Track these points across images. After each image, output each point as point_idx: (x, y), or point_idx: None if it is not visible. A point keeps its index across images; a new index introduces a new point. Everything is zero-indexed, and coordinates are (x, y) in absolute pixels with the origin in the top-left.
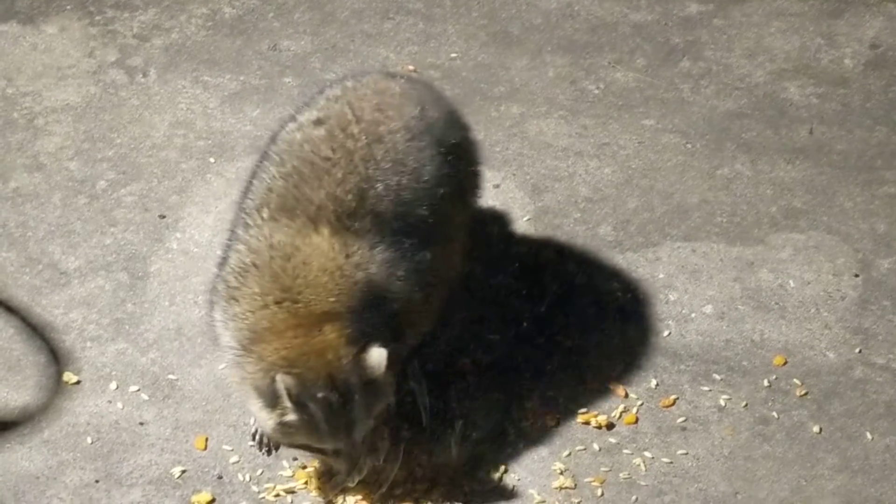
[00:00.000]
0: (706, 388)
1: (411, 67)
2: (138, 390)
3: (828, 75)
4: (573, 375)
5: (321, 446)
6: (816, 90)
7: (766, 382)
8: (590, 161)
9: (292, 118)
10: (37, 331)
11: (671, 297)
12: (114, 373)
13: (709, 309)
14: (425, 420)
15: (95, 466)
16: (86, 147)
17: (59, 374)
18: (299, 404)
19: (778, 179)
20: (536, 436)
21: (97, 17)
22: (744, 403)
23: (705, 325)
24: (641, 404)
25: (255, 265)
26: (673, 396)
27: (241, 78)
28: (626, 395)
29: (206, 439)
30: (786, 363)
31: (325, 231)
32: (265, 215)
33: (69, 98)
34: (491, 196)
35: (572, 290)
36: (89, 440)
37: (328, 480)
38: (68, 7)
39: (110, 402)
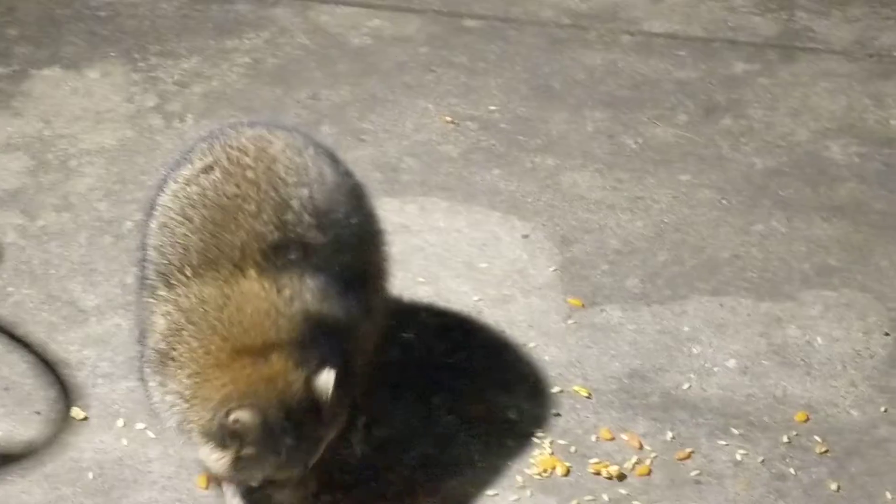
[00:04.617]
0: (723, 443)
1: (448, 118)
2: (145, 428)
3: (872, 135)
4: (588, 424)
5: (276, 477)
6: (859, 149)
7: (785, 438)
8: (622, 214)
9: (168, 181)
10: (49, 366)
11: (694, 350)
12: (122, 410)
13: (732, 363)
14: None
15: (95, 502)
16: (116, 188)
17: (68, 409)
18: (260, 436)
19: (813, 237)
20: (545, 484)
21: (140, 64)
22: (761, 459)
23: (727, 380)
24: (655, 456)
25: (189, 322)
26: (688, 449)
27: None
28: (641, 447)
29: (209, 479)
30: (808, 420)
31: (253, 272)
32: (188, 273)
33: (104, 141)
34: (519, 246)
35: (592, 341)
36: (91, 476)
37: None
38: (113, 54)
39: (116, 438)
